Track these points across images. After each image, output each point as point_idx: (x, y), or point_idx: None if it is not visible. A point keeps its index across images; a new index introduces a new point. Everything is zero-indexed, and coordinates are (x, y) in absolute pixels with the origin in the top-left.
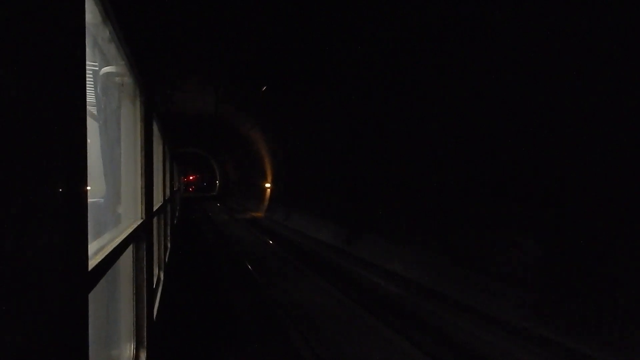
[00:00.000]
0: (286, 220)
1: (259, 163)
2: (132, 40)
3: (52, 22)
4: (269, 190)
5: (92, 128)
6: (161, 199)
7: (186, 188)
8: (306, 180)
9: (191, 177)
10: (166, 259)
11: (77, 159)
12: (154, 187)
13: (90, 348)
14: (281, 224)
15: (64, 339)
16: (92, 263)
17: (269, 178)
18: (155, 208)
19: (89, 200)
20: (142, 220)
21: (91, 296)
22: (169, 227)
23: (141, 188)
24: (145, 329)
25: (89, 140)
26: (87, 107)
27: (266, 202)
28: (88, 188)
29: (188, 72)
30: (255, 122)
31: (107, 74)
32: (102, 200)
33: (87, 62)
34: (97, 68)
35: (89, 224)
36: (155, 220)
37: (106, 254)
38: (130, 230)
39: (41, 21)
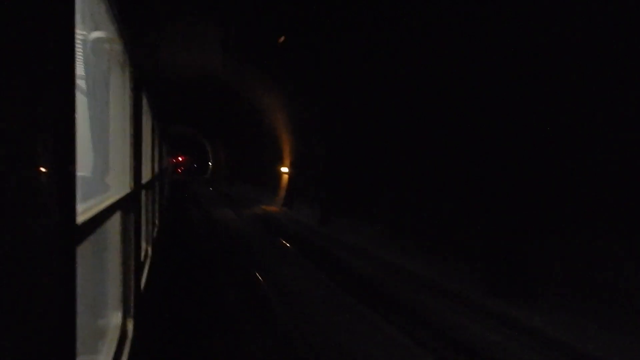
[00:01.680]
0: (323, 226)
1: (272, 142)
2: (122, 3)
3: None
4: (285, 176)
5: (80, 97)
6: (150, 174)
7: (174, 170)
8: (360, 170)
9: (180, 158)
10: (154, 235)
11: (66, 116)
12: (143, 161)
13: (77, 317)
14: (315, 230)
15: (52, 292)
16: (80, 218)
17: (287, 161)
18: (143, 182)
19: (78, 174)
20: (130, 190)
21: (79, 264)
22: (157, 205)
23: (130, 159)
24: (132, 299)
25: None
26: (76, 74)
27: (282, 192)
28: (77, 140)
29: (180, 9)
30: (273, 84)
31: (96, 39)
32: (90, 174)
33: (76, 27)
34: (85, 34)
35: (77, 191)
36: (143, 195)
37: (95, 213)
38: (118, 196)
39: None
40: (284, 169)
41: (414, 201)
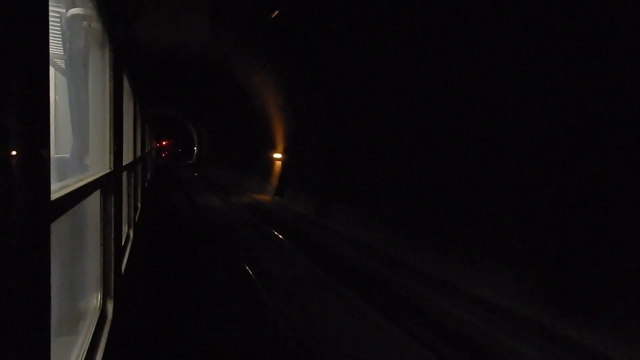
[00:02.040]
0: (320, 217)
1: (264, 126)
2: None
3: None
4: (278, 163)
5: (58, 76)
6: (132, 157)
7: (158, 154)
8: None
9: (164, 142)
10: (136, 219)
11: (39, 90)
12: (124, 143)
13: (56, 300)
14: (311, 221)
15: (25, 269)
16: (55, 195)
17: (280, 147)
18: (125, 164)
19: (55, 155)
20: (110, 170)
21: (58, 246)
22: (139, 188)
23: (110, 140)
24: (112, 280)
25: (54, 94)
26: (52, 55)
27: (274, 180)
28: (52, 123)
29: None
30: (266, 62)
31: (74, 16)
32: (68, 155)
33: (51, 2)
34: (63, 10)
35: (53, 172)
36: (125, 177)
37: (71, 189)
38: (97, 176)
39: None
40: (277, 156)
41: (425, 191)
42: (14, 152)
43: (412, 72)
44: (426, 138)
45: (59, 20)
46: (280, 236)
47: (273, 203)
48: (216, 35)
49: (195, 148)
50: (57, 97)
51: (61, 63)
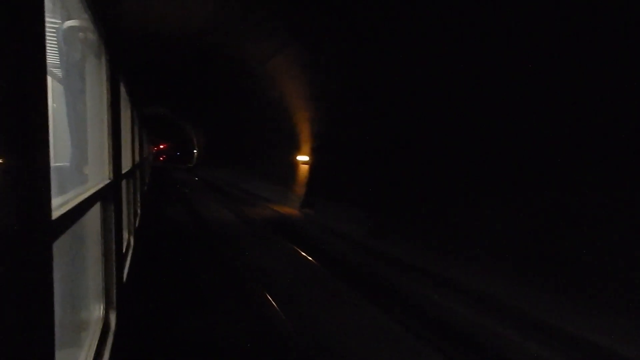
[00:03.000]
0: (379, 240)
1: (283, 122)
2: None
3: None
4: (304, 167)
5: (55, 88)
6: (130, 163)
7: (156, 157)
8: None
9: (162, 146)
10: (136, 225)
11: (38, 108)
12: (122, 150)
13: (58, 310)
14: (370, 248)
15: (28, 288)
16: (56, 213)
17: (305, 147)
18: (124, 171)
19: (54, 165)
20: (109, 181)
21: (59, 258)
22: (138, 194)
23: (108, 148)
24: (114, 290)
25: (52, 103)
26: (50, 66)
27: (299, 188)
28: (51, 135)
29: None
30: (290, 38)
31: (70, 28)
32: (67, 164)
33: (47, 15)
34: (59, 22)
35: (53, 183)
36: (124, 184)
37: (72, 206)
38: (97, 188)
39: None
40: (302, 158)
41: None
42: (12, 172)
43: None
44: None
45: (55, 32)
46: (330, 274)
47: (302, 218)
48: (218, 12)
49: (195, 151)
50: (54, 105)
51: (57, 72)
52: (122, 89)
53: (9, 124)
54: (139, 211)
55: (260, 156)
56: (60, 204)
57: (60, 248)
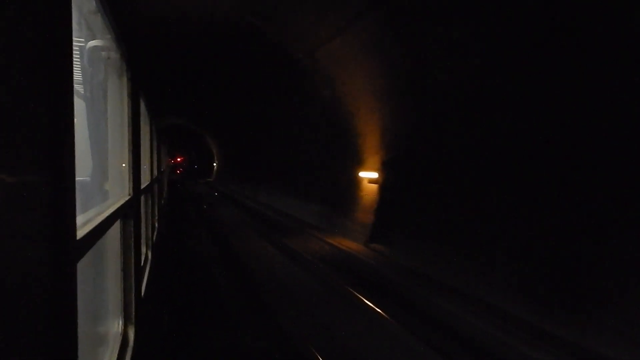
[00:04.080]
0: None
1: (339, 126)
2: (118, 13)
3: None
4: (371, 187)
5: (78, 105)
6: (148, 178)
7: (172, 170)
8: None
9: (179, 159)
10: (154, 239)
11: (64, 132)
12: (142, 165)
13: (78, 324)
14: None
15: (52, 309)
16: (80, 233)
17: (372, 160)
18: (142, 186)
19: (77, 179)
20: (129, 197)
21: (79, 271)
22: (156, 206)
23: (129, 165)
24: (133, 305)
25: (75, 118)
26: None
27: (364, 215)
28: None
29: None
30: (365, 8)
31: (93, 48)
32: (88, 178)
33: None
34: (82, 43)
35: (76, 200)
36: (142, 198)
37: (94, 225)
38: (117, 205)
39: None
40: (368, 175)
41: None
42: (39, 193)
43: None
44: None
45: (79, 51)
46: None
47: (377, 259)
48: None
49: (215, 164)
50: (75, 120)
51: (80, 89)
52: (142, 106)
53: (39, 143)
54: (156, 225)
55: (299, 170)
56: (83, 222)
57: (80, 262)
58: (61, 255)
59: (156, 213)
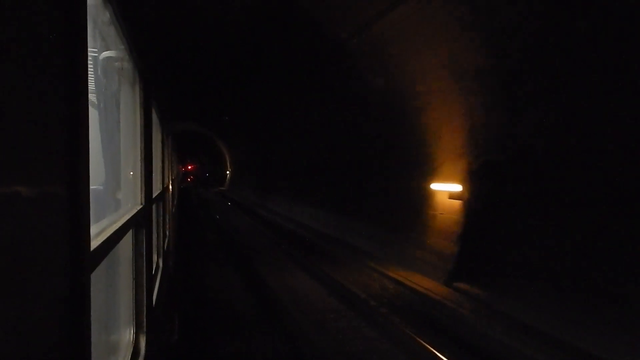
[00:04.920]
0: None
1: (395, 124)
2: (132, 24)
3: (54, 5)
4: (450, 204)
5: (92, 114)
6: (160, 186)
7: (183, 178)
8: None
9: (189, 167)
10: (165, 247)
11: (79, 144)
12: (153, 175)
13: (92, 338)
14: None
15: (68, 318)
16: (94, 243)
17: (450, 169)
18: (154, 195)
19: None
20: (141, 206)
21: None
22: (167, 215)
23: (141, 174)
24: (144, 314)
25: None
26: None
27: (441, 241)
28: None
29: None
30: None
31: (107, 58)
32: (101, 187)
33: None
34: (96, 53)
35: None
36: (154, 207)
37: (107, 235)
38: (130, 215)
39: (43, 5)
40: (444, 187)
41: None
42: (55, 204)
43: None
44: None
45: (92, 62)
46: None
47: (464, 305)
48: None
49: (228, 172)
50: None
51: (93, 98)
52: (154, 115)
53: (56, 155)
54: (167, 233)
55: (343, 182)
56: (96, 233)
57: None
58: (77, 267)
59: (167, 221)
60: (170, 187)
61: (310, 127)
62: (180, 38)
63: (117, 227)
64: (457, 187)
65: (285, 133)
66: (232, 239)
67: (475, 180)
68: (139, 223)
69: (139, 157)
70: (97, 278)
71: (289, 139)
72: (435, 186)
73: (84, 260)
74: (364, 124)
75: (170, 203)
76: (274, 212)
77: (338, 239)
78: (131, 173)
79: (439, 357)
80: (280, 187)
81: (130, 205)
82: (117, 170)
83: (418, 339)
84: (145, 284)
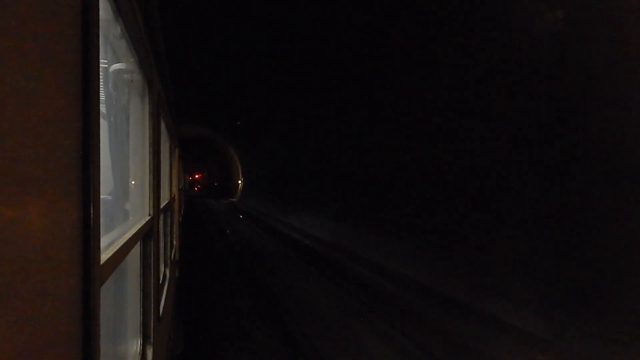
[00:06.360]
0: None
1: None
2: (142, 37)
3: (68, 18)
4: None
5: (102, 125)
6: (168, 196)
7: (190, 187)
8: None
9: (196, 176)
10: (172, 257)
11: (90, 154)
12: (161, 185)
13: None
14: None
15: (78, 333)
16: (104, 257)
17: None
18: (162, 205)
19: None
20: (150, 217)
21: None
22: (175, 225)
23: (149, 185)
24: (152, 325)
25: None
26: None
27: None
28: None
29: None
30: None
31: (117, 70)
32: (109, 197)
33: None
34: (106, 65)
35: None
36: (161, 218)
37: (117, 248)
38: (139, 226)
39: (57, 17)
40: None
41: None
42: (65, 217)
43: None
44: None
45: (103, 73)
46: None
47: None
48: None
49: (240, 181)
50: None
51: (102, 109)
52: (163, 126)
53: (68, 169)
54: (174, 242)
55: (426, 195)
56: (106, 245)
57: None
58: (87, 281)
59: (175, 230)
60: (177, 197)
61: (349, 133)
62: (192, 41)
63: (126, 239)
64: None
65: (313, 139)
66: (244, 257)
67: None
68: (147, 234)
69: (148, 169)
70: (105, 290)
71: (316, 145)
72: None
73: (95, 274)
74: (441, 128)
75: (177, 214)
76: (309, 235)
77: (428, 288)
78: (140, 184)
79: None
80: (307, 201)
81: (138, 216)
82: (125, 181)
83: None
84: (152, 295)
